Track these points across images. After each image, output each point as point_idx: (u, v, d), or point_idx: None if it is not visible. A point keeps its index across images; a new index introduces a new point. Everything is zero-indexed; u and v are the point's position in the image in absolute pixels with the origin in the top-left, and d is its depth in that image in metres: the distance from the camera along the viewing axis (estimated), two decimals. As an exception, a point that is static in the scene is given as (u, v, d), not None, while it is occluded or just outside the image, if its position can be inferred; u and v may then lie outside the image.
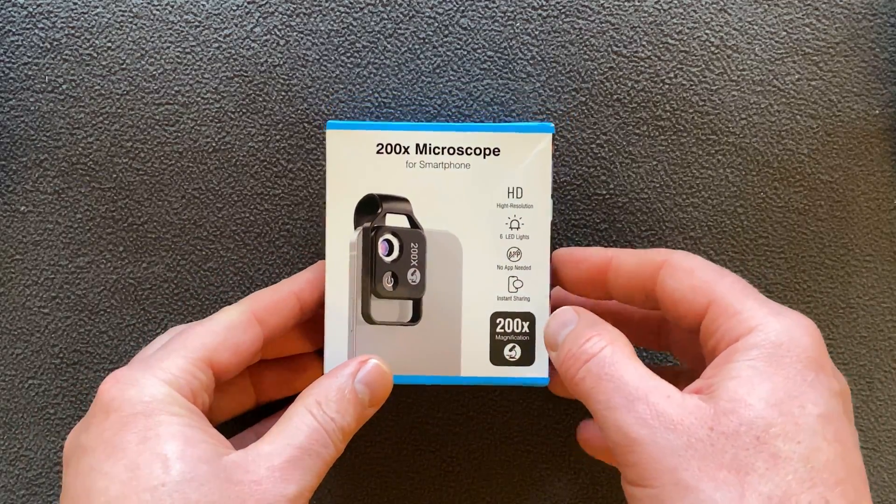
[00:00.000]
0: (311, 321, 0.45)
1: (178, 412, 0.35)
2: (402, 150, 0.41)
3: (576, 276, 0.41)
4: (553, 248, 0.41)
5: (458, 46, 0.46)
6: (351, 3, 0.46)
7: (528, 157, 0.41)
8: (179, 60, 0.46)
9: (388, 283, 0.41)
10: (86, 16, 0.46)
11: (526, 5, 0.46)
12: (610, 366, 0.35)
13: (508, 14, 0.46)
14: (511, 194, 0.41)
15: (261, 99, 0.46)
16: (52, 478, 0.48)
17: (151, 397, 0.35)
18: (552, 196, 0.41)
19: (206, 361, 0.38)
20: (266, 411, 0.46)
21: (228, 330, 0.39)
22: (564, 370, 0.37)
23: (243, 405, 0.45)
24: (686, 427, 0.32)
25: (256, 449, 0.35)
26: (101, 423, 0.35)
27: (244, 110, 0.46)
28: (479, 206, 0.41)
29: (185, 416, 0.35)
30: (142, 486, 0.32)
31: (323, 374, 0.41)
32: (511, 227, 0.41)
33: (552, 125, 0.41)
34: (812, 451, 0.31)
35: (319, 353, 0.46)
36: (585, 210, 0.47)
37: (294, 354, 0.46)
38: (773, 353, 0.33)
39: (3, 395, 0.48)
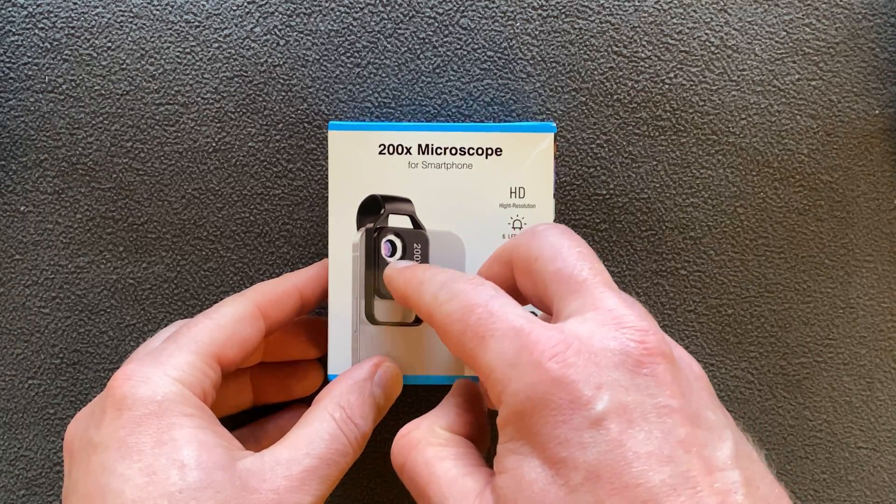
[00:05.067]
0: (316, 327, 0.45)
1: (191, 412, 0.35)
2: (405, 150, 0.41)
3: None
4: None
5: (458, 46, 0.46)
6: (351, 3, 0.46)
7: (530, 156, 0.41)
8: (179, 60, 0.46)
9: (391, 283, 0.41)
10: (86, 16, 0.46)
11: (526, 5, 0.46)
12: (416, 477, 0.34)
13: (508, 14, 0.46)
14: (514, 194, 0.41)
15: (261, 99, 0.46)
16: (52, 478, 0.48)
17: (164, 396, 0.35)
18: (555, 196, 0.41)
19: (214, 357, 0.37)
20: (262, 412, 0.46)
21: (235, 323, 0.39)
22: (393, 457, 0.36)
23: (240, 405, 0.45)
24: None
25: (274, 454, 0.35)
26: (113, 420, 0.34)
27: (244, 110, 0.46)
28: (482, 207, 0.41)
29: (197, 417, 0.35)
30: (158, 492, 0.32)
31: (326, 374, 0.41)
32: (514, 227, 0.41)
33: (554, 125, 0.41)
34: None
35: (320, 360, 0.46)
36: (585, 210, 0.47)
37: (294, 360, 0.46)
38: (522, 427, 0.30)
39: (3, 395, 0.48)
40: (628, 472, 0.28)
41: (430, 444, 0.34)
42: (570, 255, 0.33)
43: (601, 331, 0.30)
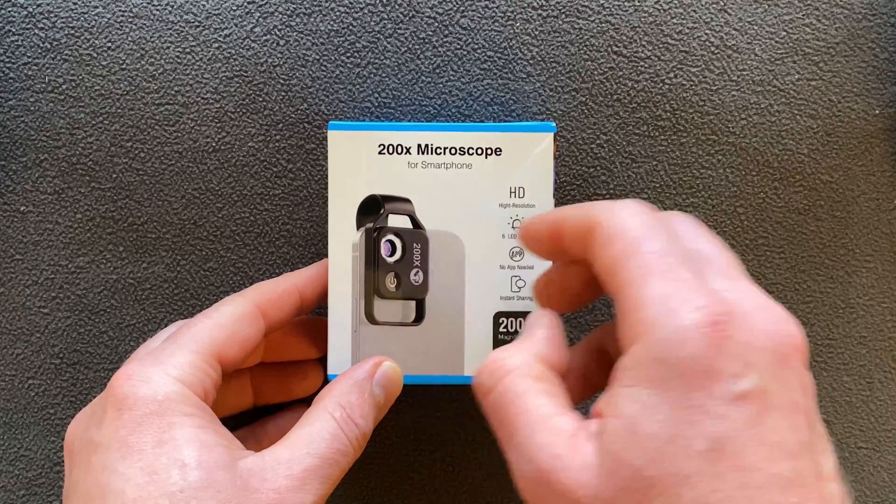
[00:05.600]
0: (317, 327, 0.45)
1: (191, 412, 0.35)
2: (404, 150, 0.41)
3: (535, 239, 0.37)
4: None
5: (458, 46, 0.46)
6: (351, 3, 0.46)
7: (530, 156, 0.41)
8: (179, 60, 0.46)
9: (390, 283, 0.41)
10: (86, 16, 0.46)
11: (526, 5, 0.46)
12: (504, 406, 0.32)
13: (508, 14, 0.46)
14: (513, 194, 0.41)
15: (261, 99, 0.46)
16: (52, 478, 0.48)
17: (165, 396, 0.35)
18: (554, 195, 0.41)
19: (215, 356, 0.37)
20: (263, 412, 0.46)
21: (235, 323, 0.39)
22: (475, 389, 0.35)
23: (240, 406, 0.45)
24: (575, 498, 0.29)
25: (274, 454, 0.35)
26: (114, 420, 0.34)
27: (244, 110, 0.46)
28: (482, 206, 0.41)
29: (197, 417, 0.35)
30: (159, 491, 0.32)
31: (326, 374, 0.41)
32: (513, 227, 0.41)
33: (554, 125, 0.41)
34: (699, 498, 0.27)
35: (320, 360, 0.46)
36: (585, 210, 0.47)
37: (295, 360, 0.46)
38: (655, 375, 0.29)
39: (3, 395, 0.48)
40: (752, 455, 0.27)
41: (525, 375, 0.33)
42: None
43: (762, 314, 0.30)
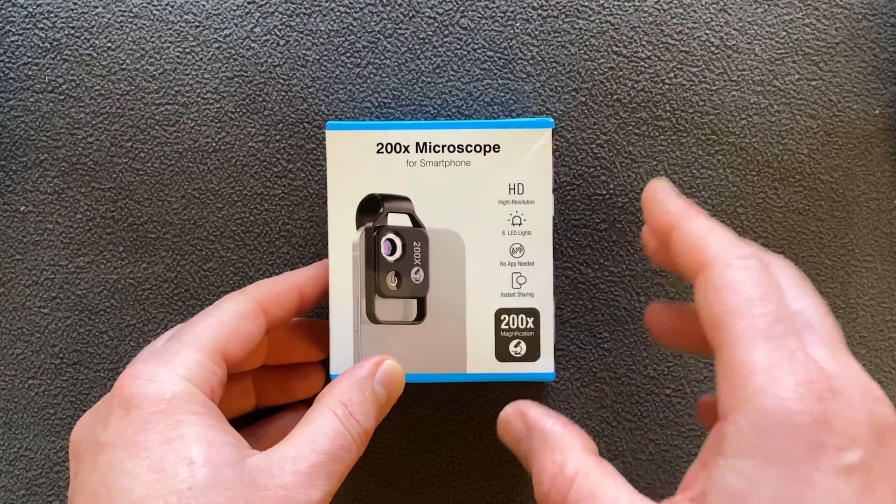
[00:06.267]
0: (319, 329, 0.45)
1: (199, 410, 0.35)
2: (403, 149, 0.41)
3: (647, 219, 0.37)
4: (554, 244, 0.41)
5: (458, 46, 0.46)
6: (351, 3, 0.46)
7: (528, 152, 0.41)
8: (179, 60, 0.46)
9: (391, 282, 0.41)
10: (86, 16, 0.46)
11: (526, 5, 0.46)
12: (577, 500, 0.32)
13: (508, 14, 0.46)
14: (512, 190, 0.41)
15: (261, 99, 0.46)
16: (52, 478, 0.48)
17: (173, 395, 0.34)
18: (553, 191, 0.41)
19: (219, 354, 0.37)
20: (264, 413, 0.46)
21: (238, 320, 0.38)
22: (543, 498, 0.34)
23: (243, 408, 0.45)
24: None
25: (280, 452, 0.35)
26: (120, 419, 0.34)
27: (244, 110, 0.46)
28: (481, 203, 0.41)
29: (205, 415, 0.35)
30: (167, 489, 0.32)
31: (329, 375, 0.41)
32: (513, 224, 0.41)
33: (552, 120, 0.41)
34: None
35: (322, 362, 0.46)
36: (585, 210, 0.47)
37: (297, 363, 0.46)
38: (759, 447, 0.29)
39: (3, 395, 0.48)
40: None
41: (589, 474, 0.33)
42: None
43: (861, 390, 0.30)
